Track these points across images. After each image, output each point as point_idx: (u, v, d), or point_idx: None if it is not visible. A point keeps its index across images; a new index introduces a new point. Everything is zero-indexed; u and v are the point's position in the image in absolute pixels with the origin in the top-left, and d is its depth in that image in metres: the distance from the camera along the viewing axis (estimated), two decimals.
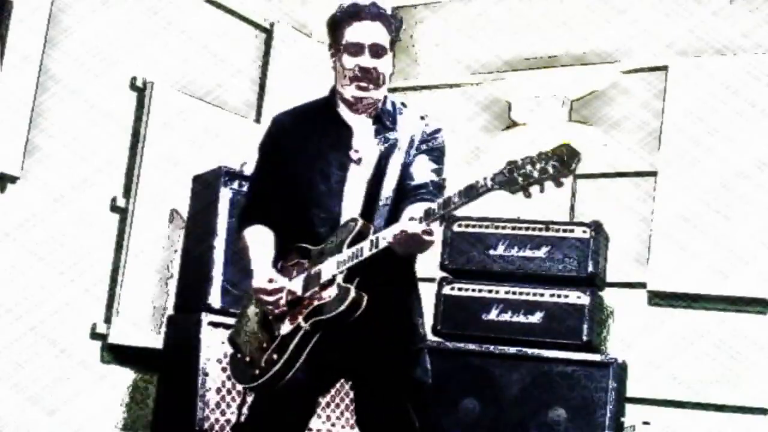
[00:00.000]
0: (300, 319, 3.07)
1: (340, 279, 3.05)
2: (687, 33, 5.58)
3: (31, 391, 4.65)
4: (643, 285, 5.37)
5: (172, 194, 5.08)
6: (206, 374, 4.42)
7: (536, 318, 4.93)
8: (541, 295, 4.95)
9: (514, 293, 4.99)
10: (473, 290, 5.09)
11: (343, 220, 3.18)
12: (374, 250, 2.99)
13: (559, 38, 5.96)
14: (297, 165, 3.29)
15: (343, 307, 2.98)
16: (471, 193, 2.91)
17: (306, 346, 3.05)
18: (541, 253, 5.02)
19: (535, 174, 2.80)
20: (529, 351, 4.86)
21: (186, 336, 4.56)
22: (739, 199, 5.21)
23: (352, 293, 2.99)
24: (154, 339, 4.95)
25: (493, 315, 5.00)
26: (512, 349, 4.88)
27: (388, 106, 3.37)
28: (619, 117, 5.76)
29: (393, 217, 3.12)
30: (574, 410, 4.72)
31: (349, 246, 3.06)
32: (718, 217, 5.24)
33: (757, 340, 5.15)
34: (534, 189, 2.84)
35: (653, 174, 5.50)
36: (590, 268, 4.93)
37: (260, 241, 3.29)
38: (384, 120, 3.33)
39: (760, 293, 5.11)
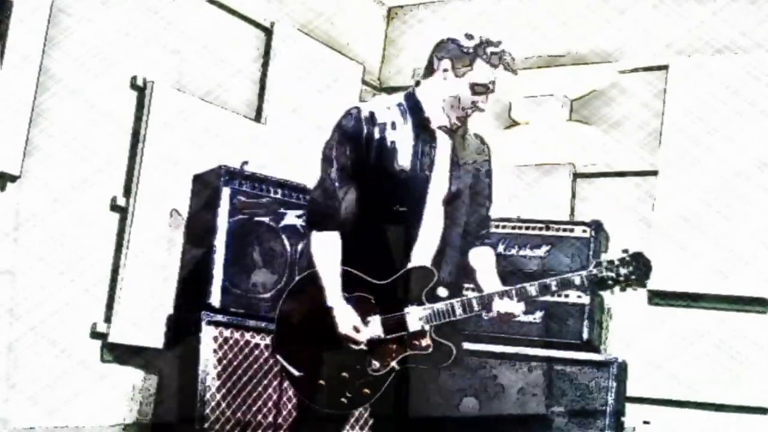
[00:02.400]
0: (393, 362, 3.30)
1: (429, 329, 3.34)
2: (687, 33, 5.58)
3: (31, 391, 4.65)
4: None
5: (172, 194, 5.08)
6: (206, 373, 4.43)
7: (536, 317, 4.94)
8: None
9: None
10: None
11: (421, 234, 3.36)
12: (467, 314, 3.33)
13: (559, 38, 5.96)
14: (383, 163, 3.34)
15: (447, 363, 3.35)
16: (567, 287, 3.40)
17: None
18: (541, 252, 5.03)
19: (621, 279, 3.39)
20: (529, 351, 4.86)
21: (186, 336, 4.56)
22: (739, 199, 5.22)
23: (455, 352, 3.33)
24: (154, 338, 4.96)
25: (493, 314, 4.99)
26: (512, 349, 4.89)
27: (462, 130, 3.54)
28: (619, 117, 5.77)
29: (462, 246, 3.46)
30: (574, 410, 4.73)
31: (429, 296, 3.33)
32: (718, 217, 5.24)
33: (757, 340, 5.15)
34: (616, 289, 3.45)
35: (653, 174, 5.50)
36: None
37: (331, 258, 3.32)
38: (461, 141, 3.51)
39: (760, 293, 5.11)
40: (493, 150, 6.09)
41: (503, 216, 5.09)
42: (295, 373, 3.32)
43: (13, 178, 4.58)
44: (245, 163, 4.99)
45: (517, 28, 6.09)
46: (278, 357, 3.36)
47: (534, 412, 4.78)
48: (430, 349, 3.34)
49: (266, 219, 4.76)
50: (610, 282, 3.38)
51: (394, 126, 3.37)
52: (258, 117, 5.76)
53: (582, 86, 5.88)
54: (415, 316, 3.33)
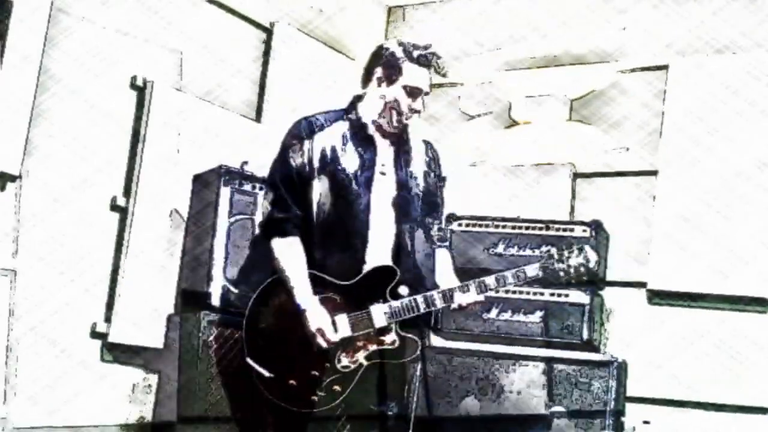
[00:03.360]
0: (361, 357, 3.45)
1: (394, 325, 3.49)
2: (687, 33, 5.58)
3: (31, 391, 4.65)
4: (643, 284, 5.38)
5: (172, 194, 5.08)
6: (206, 373, 4.43)
7: (536, 317, 4.94)
8: (541, 294, 4.96)
9: (513, 292, 5.00)
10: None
11: (371, 237, 3.52)
12: (430, 309, 3.48)
13: (559, 38, 5.97)
14: (328, 172, 3.54)
15: (414, 356, 3.49)
16: (523, 278, 3.52)
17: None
18: (542, 252, 5.03)
19: (572, 271, 3.52)
20: (529, 351, 4.86)
21: (186, 335, 4.57)
22: (739, 199, 5.22)
23: (419, 345, 3.49)
24: (154, 338, 4.96)
25: (493, 314, 5.01)
26: (512, 349, 4.89)
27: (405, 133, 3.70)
28: (619, 117, 5.77)
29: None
30: (574, 410, 4.73)
31: (392, 294, 3.47)
32: (718, 217, 5.24)
33: (757, 340, 5.15)
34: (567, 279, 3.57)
35: (653, 174, 5.51)
36: None
37: (297, 261, 3.51)
38: (404, 145, 3.66)
39: (760, 293, 5.11)
40: (494, 150, 6.12)
41: (503, 216, 5.10)
42: (266, 374, 3.41)
43: (13, 178, 4.58)
44: (245, 163, 5.00)
45: (517, 28, 6.09)
46: (248, 360, 3.49)
47: (534, 412, 4.78)
48: (396, 344, 3.49)
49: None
50: (561, 273, 3.54)
51: (334, 136, 3.57)
52: (258, 117, 5.76)
53: (582, 86, 5.88)
54: (379, 313, 3.48)
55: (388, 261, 3.54)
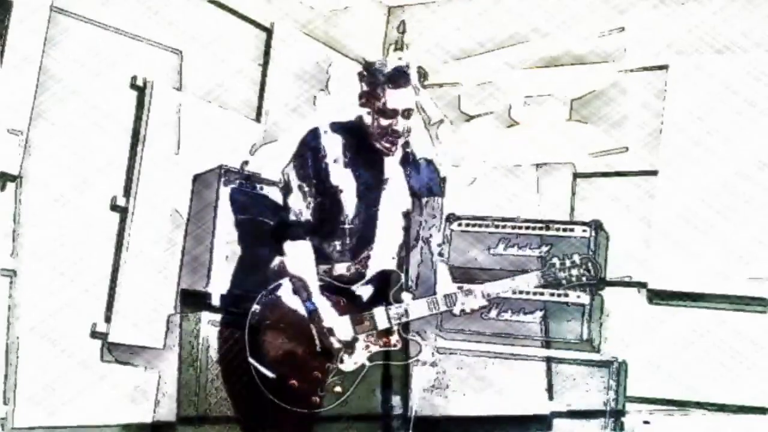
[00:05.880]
0: (363, 359, 3.54)
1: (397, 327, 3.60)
2: (687, 33, 5.58)
3: (31, 391, 4.65)
4: (643, 284, 5.38)
5: (172, 194, 5.09)
6: (206, 373, 4.43)
7: (536, 317, 4.94)
8: (541, 294, 4.96)
9: (513, 292, 4.99)
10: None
11: (376, 246, 3.64)
12: (433, 312, 3.62)
13: (559, 38, 5.96)
14: (338, 182, 3.66)
15: (416, 357, 3.59)
16: (524, 287, 3.77)
17: None
18: (541, 252, 5.03)
19: (573, 279, 3.75)
20: (529, 351, 4.86)
21: (186, 335, 4.57)
22: (739, 199, 5.22)
23: (422, 347, 3.60)
24: (154, 338, 4.96)
25: (493, 314, 5.01)
26: (512, 349, 4.89)
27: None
28: (619, 117, 5.77)
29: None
30: (574, 410, 4.73)
31: (395, 298, 3.59)
32: (718, 217, 5.25)
33: (757, 340, 5.15)
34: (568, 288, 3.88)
35: (653, 174, 5.51)
36: None
37: (307, 264, 3.64)
38: (408, 159, 3.80)
39: (760, 293, 5.11)
40: (494, 150, 6.12)
41: (503, 216, 5.09)
42: (269, 374, 3.43)
43: (13, 178, 4.58)
44: (245, 163, 5.00)
45: (517, 28, 6.09)
46: (251, 361, 3.57)
47: (534, 412, 4.78)
48: (399, 345, 3.59)
49: (266, 219, 4.77)
50: (564, 282, 3.75)
51: (344, 147, 3.70)
52: (258, 117, 5.76)
53: (582, 86, 5.88)
54: (382, 315, 3.58)
55: (392, 266, 3.65)
